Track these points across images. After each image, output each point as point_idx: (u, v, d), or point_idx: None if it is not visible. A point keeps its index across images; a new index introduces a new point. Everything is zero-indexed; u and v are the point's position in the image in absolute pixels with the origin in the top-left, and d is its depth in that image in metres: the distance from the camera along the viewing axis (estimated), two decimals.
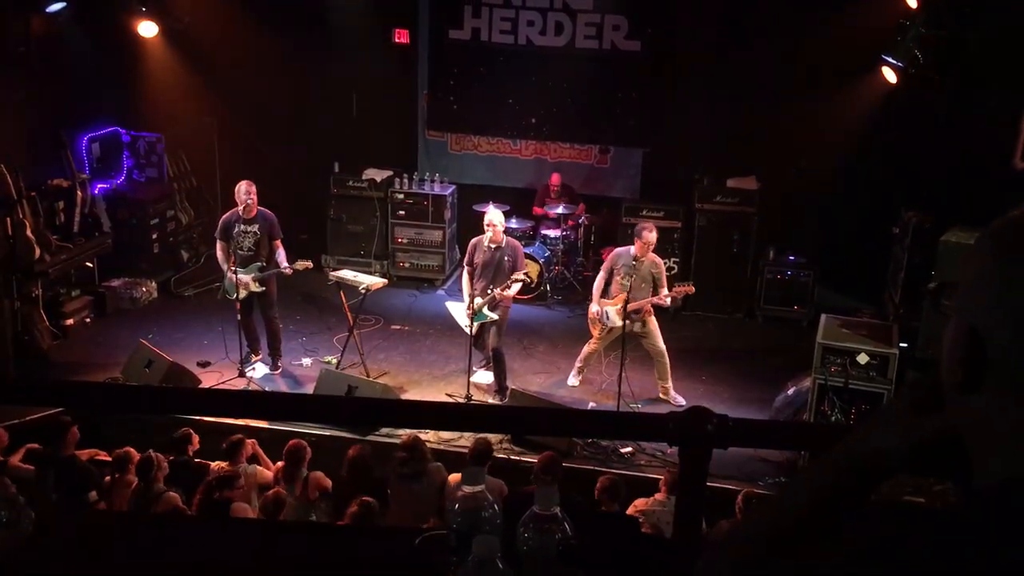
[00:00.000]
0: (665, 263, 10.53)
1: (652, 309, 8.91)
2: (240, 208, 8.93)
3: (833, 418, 7.67)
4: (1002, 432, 0.93)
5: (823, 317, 8.43)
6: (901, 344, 8.02)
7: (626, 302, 8.56)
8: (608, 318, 8.77)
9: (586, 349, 9.17)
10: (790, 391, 8.65)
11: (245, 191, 8.89)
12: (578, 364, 9.26)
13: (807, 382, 8.17)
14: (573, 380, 9.32)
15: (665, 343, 9.22)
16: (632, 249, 8.77)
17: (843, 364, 7.75)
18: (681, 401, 8.97)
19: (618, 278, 8.74)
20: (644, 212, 11.26)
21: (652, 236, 8.67)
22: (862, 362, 7.75)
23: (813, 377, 7.91)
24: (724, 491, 6.76)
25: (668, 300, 8.78)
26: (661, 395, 9.09)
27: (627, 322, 8.66)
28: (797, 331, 10.55)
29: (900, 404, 1.07)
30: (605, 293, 8.89)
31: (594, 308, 8.92)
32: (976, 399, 0.95)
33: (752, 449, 7.15)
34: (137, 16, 10.73)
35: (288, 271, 9.08)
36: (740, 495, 6.18)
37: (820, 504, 1.06)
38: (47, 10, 10.07)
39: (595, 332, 9.03)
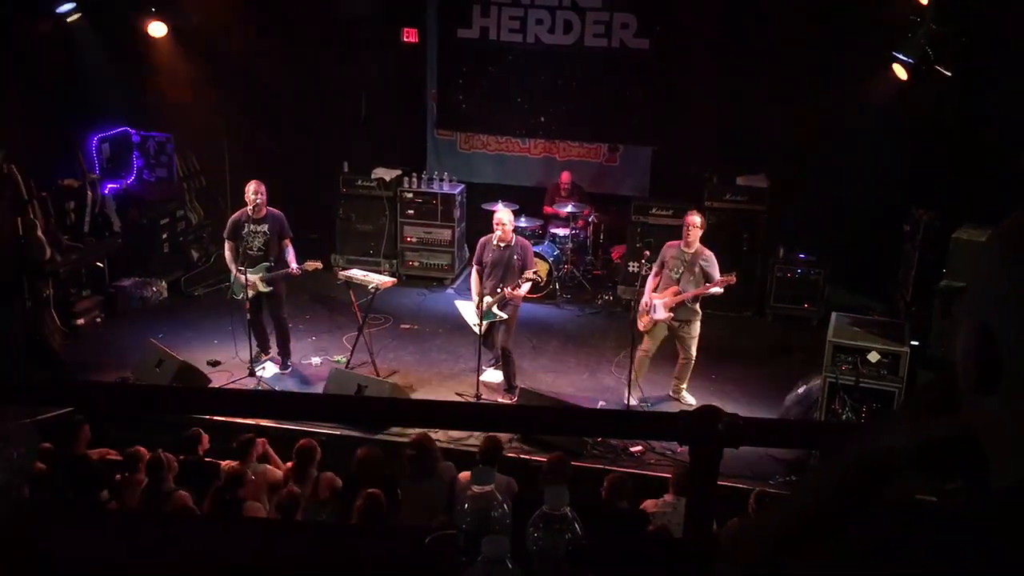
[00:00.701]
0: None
1: (700, 311, 8.74)
2: (249, 208, 8.94)
3: (844, 417, 7.65)
4: (1016, 433, 0.92)
5: (834, 315, 8.41)
6: (912, 342, 8.00)
7: (638, 302, 8.52)
8: (655, 311, 8.61)
9: (637, 358, 8.77)
10: (801, 389, 8.63)
11: (254, 191, 8.90)
12: (638, 383, 8.79)
13: (818, 380, 8.15)
14: (634, 401, 8.84)
15: (675, 342, 9.32)
16: (681, 243, 8.62)
17: (854, 362, 7.73)
18: (691, 401, 8.94)
19: (667, 271, 8.61)
20: (653, 210, 11.24)
21: (691, 218, 8.53)
22: (873, 360, 7.72)
23: (824, 375, 7.89)
24: (734, 490, 6.74)
25: (714, 290, 8.53)
26: (672, 392, 9.06)
27: (672, 318, 8.59)
28: (807, 329, 10.52)
29: (912, 404, 1.07)
30: (656, 288, 8.72)
31: (644, 299, 8.73)
32: (990, 400, 0.94)
33: (763, 447, 7.13)
34: (147, 16, 10.76)
35: (296, 272, 9.07)
36: (753, 494, 6.16)
37: (830, 503, 1.06)
38: (57, 10, 10.11)
39: (640, 324, 8.75)
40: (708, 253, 8.60)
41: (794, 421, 7.90)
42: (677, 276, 8.54)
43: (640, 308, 8.81)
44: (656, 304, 8.61)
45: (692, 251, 8.52)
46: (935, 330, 8.84)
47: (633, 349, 8.79)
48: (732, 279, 8.53)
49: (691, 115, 11.45)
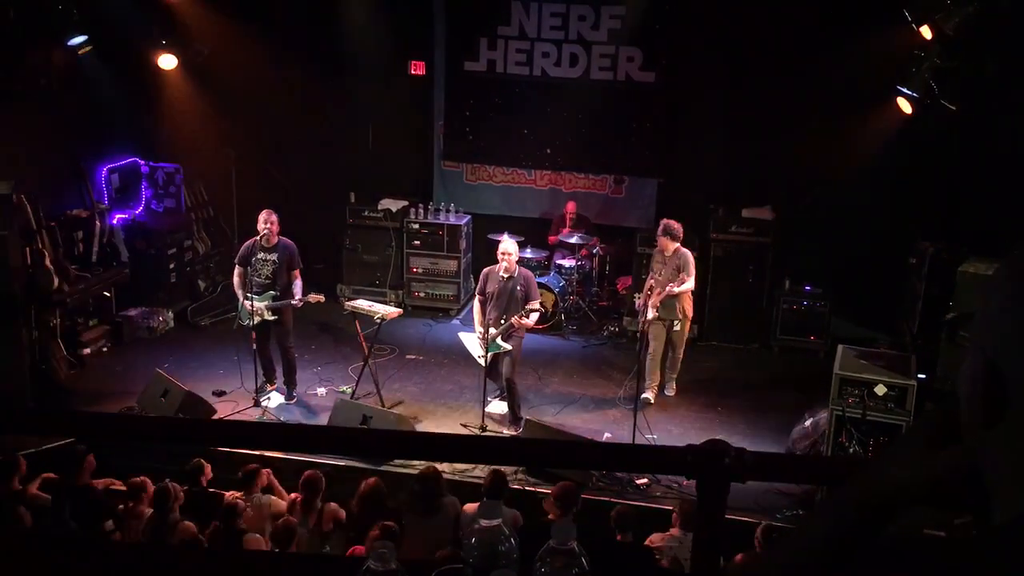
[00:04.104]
0: None
1: (687, 314, 9.33)
2: (260, 236, 8.98)
3: (851, 450, 7.60)
4: (1019, 467, 0.92)
5: (840, 348, 8.39)
6: (919, 375, 7.95)
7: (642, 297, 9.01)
8: (646, 312, 9.08)
9: (648, 363, 9.28)
10: (807, 422, 8.59)
11: (264, 219, 8.96)
12: (649, 383, 9.39)
13: (824, 413, 8.10)
14: (650, 396, 9.44)
15: (681, 374, 9.53)
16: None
17: (860, 395, 7.68)
18: (669, 393, 9.55)
19: (653, 274, 9.25)
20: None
21: (659, 239, 9.29)
22: (880, 393, 7.68)
23: (830, 408, 7.84)
24: (740, 524, 6.70)
25: (675, 289, 9.03)
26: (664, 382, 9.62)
27: (657, 317, 9.12)
28: (814, 362, 10.49)
29: (917, 437, 1.07)
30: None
31: (639, 301, 9.38)
32: (995, 433, 0.94)
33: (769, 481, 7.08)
34: (157, 48, 10.87)
35: (298, 303, 9.09)
36: (760, 528, 6.12)
37: (837, 538, 1.05)
38: (68, 43, 10.21)
39: (639, 324, 9.39)
40: (684, 252, 9.23)
41: (801, 455, 7.86)
42: (660, 278, 9.17)
43: (636, 308, 9.61)
44: (648, 305, 9.14)
45: (669, 254, 9.17)
46: (942, 363, 8.81)
47: (640, 382, 8.82)
48: (684, 280, 9.11)
49: (697, 147, 11.49)
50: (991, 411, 0.94)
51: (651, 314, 9.06)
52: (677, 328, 9.31)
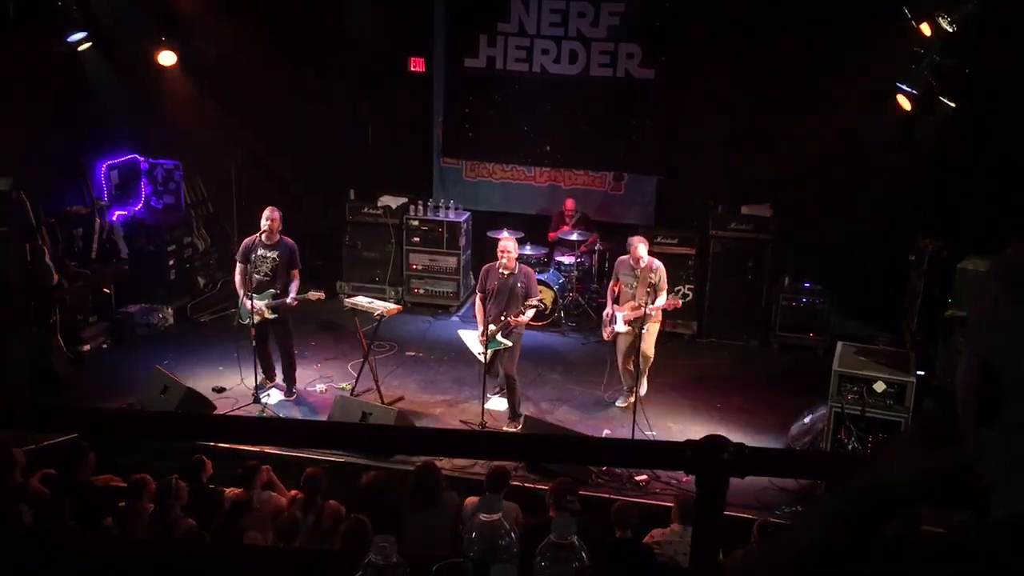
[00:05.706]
0: (680, 290, 10.61)
1: (659, 316, 9.14)
2: (262, 233, 8.96)
3: (850, 447, 7.61)
4: (1018, 464, 0.93)
5: (839, 345, 8.40)
6: (918, 372, 7.97)
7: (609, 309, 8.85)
8: (616, 323, 9.06)
9: (620, 366, 9.32)
10: (806, 419, 8.60)
11: (267, 216, 8.94)
12: (625, 385, 9.39)
13: (823, 410, 8.12)
14: (622, 402, 9.42)
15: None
16: (629, 258, 9.07)
17: (860, 392, 7.70)
18: (642, 391, 9.15)
19: (623, 286, 9.07)
20: (658, 239, 11.20)
21: (635, 251, 8.92)
22: (879, 390, 7.69)
23: (830, 405, 7.86)
24: (740, 520, 6.70)
25: (654, 312, 8.87)
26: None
27: (630, 331, 9.01)
28: (813, 359, 10.49)
29: (914, 435, 1.07)
30: (618, 298, 9.21)
31: (607, 311, 9.22)
32: (991, 432, 0.95)
33: (768, 477, 7.10)
34: (157, 45, 10.87)
35: (294, 303, 9.04)
36: (756, 524, 6.12)
37: (835, 536, 1.06)
38: (68, 39, 10.21)
39: (605, 334, 9.31)
40: (658, 266, 8.99)
41: (801, 451, 7.87)
42: (632, 291, 8.96)
43: (604, 319, 9.34)
44: (617, 316, 9.06)
45: (642, 266, 8.92)
46: (941, 360, 8.82)
47: (639, 378, 8.82)
48: (677, 303, 9.21)
49: (696, 144, 11.49)
50: (986, 410, 0.95)
51: (623, 327, 9.04)
52: (645, 331, 9.04)
